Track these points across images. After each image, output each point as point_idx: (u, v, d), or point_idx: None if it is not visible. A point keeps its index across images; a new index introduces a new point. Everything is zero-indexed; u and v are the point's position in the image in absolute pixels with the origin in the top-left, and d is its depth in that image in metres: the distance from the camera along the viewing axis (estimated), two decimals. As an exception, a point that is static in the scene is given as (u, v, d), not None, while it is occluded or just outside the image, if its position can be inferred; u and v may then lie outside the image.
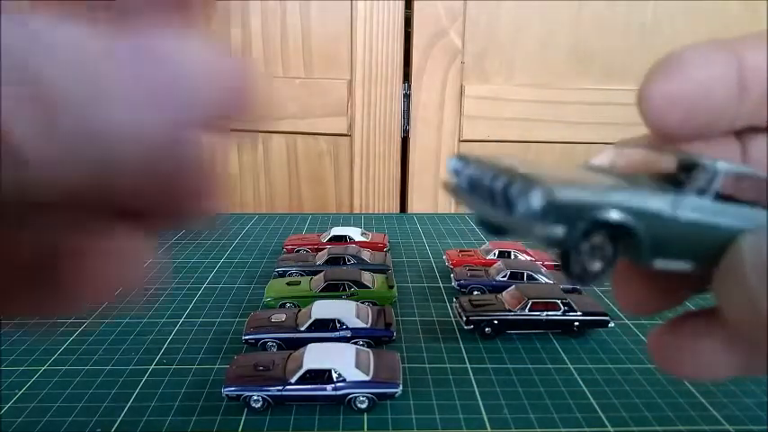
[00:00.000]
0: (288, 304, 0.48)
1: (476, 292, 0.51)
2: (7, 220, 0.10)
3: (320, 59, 0.86)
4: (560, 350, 0.43)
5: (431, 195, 0.90)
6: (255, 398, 0.34)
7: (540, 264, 0.55)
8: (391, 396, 0.35)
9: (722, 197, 0.16)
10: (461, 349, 0.42)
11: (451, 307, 0.49)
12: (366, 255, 0.56)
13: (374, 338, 0.41)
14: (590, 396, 0.37)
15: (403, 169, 0.90)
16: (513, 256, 0.57)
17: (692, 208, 0.15)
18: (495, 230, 0.16)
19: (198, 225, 0.14)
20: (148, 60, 0.11)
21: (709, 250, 0.15)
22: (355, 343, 0.40)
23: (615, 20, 0.85)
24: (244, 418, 0.34)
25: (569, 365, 0.40)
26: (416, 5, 0.84)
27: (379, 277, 0.51)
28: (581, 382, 0.38)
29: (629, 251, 0.15)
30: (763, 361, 0.18)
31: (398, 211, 0.91)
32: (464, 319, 0.44)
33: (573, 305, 0.44)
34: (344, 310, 0.42)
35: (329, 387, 0.34)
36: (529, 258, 0.57)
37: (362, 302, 0.45)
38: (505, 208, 0.14)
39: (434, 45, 0.85)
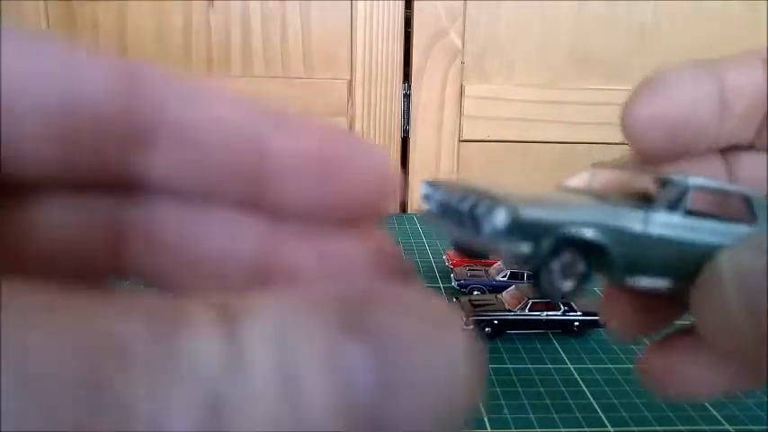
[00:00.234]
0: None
1: (476, 292, 0.51)
2: None
3: (320, 59, 0.86)
4: (560, 350, 0.43)
5: (431, 195, 0.90)
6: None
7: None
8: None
9: (699, 213, 0.16)
10: (461, 349, 0.42)
11: (451, 307, 0.49)
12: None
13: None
14: (590, 396, 0.37)
15: (403, 169, 0.90)
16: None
17: (662, 224, 0.15)
18: (470, 253, 0.16)
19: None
20: None
21: (687, 267, 0.15)
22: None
23: (615, 20, 0.85)
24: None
25: (569, 365, 0.40)
26: (416, 5, 0.84)
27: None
28: (581, 382, 0.38)
29: (602, 269, 0.15)
30: (747, 377, 0.18)
31: (398, 211, 0.91)
32: (464, 319, 0.44)
33: (573, 305, 0.44)
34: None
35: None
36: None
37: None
38: (473, 228, 0.14)
39: (434, 45, 0.85)
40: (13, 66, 0.13)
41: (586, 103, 0.85)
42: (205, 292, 0.10)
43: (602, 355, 0.42)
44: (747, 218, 0.16)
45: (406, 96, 0.87)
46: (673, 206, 0.15)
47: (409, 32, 0.85)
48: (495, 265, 0.54)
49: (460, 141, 0.88)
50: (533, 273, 0.14)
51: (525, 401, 0.36)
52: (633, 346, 0.43)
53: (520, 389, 0.37)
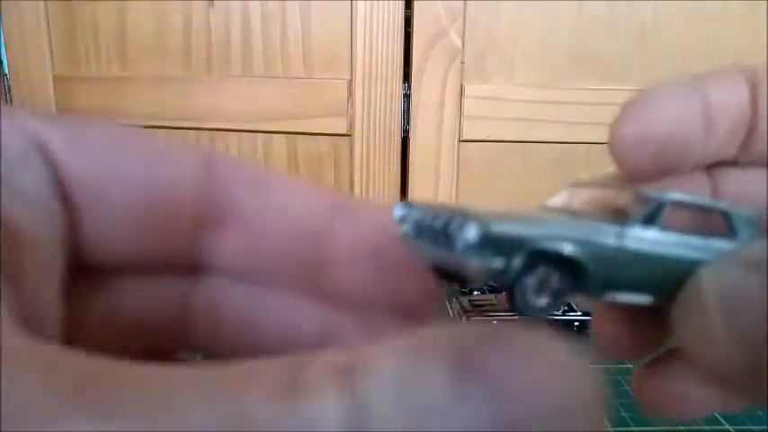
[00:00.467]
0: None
1: (476, 293, 0.51)
2: None
3: (320, 59, 0.86)
4: (560, 350, 0.43)
5: (431, 195, 0.90)
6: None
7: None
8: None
9: (679, 229, 0.15)
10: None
11: (451, 307, 0.49)
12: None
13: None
14: (590, 396, 0.37)
15: (403, 169, 0.90)
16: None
17: (638, 238, 0.15)
18: (446, 277, 0.16)
19: None
20: None
21: (667, 282, 0.15)
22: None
23: (615, 20, 0.85)
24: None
25: (569, 365, 0.40)
26: (416, 5, 0.84)
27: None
28: (581, 382, 0.38)
29: (578, 285, 0.15)
30: (742, 397, 0.17)
31: (398, 211, 0.91)
32: (464, 319, 0.44)
33: (573, 305, 0.44)
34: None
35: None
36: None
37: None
38: (447, 245, 0.14)
39: (434, 45, 0.85)
40: (100, 165, 0.14)
41: (586, 103, 0.85)
42: (318, 351, 0.10)
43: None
44: (728, 233, 0.16)
45: (406, 96, 0.87)
46: (649, 221, 0.15)
47: (409, 32, 0.85)
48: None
49: (460, 141, 0.88)
50: (508, 289, 0.14)
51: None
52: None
53: (520, 389, 0.37)
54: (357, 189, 0.90)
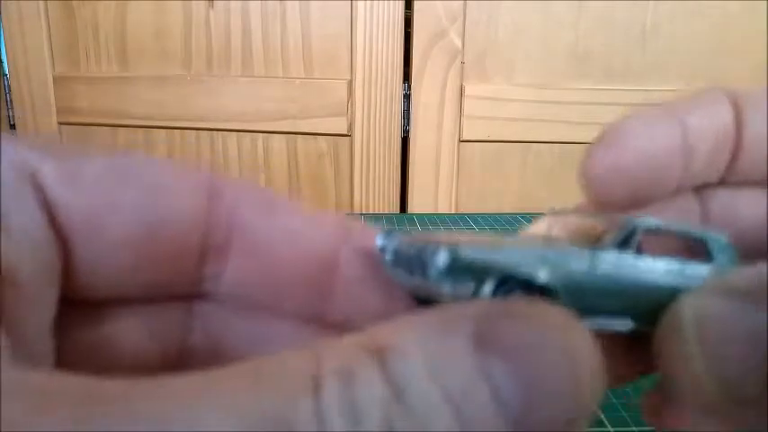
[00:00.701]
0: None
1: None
2: None
3: (320, 60, 0.86)
4: (560, 350, 0.42)
5: (431, 195, 0.90)
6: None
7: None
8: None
9: (654, 254, 0.15)
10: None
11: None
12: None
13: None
14: (590, 396, 0.37)
15: (403, 169, 0.90)
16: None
17: (610, 263, 0.15)
18: (425, 302, 0.16)
19: None
20: None
21: (644, 308, 0.15)
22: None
23: (615, 20, 0.85)
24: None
25: (569, 365, 0.40)
26: (416, 5, 0.84)
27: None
28: (581, 383, 0.38)
29: None
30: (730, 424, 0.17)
31: (398, 211, 0.91)
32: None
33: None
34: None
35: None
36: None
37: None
38: (421, 272, 0.14)
39: (434, 45, 0.85)
40: (95, 197, 0.14)
41: (586, 103, 0.85)
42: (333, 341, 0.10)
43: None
44: (706, 258, 0.16)
45: (406, 97, 0.87)
46: (622, 246, 0.15)
47: (409, 33, 0.85)
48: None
49: (460, 141, 0.88)
50: None
51: (525, 401, 0.36)
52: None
53: (520, 389, 0.37)
54: (357, 189, 0.90)
